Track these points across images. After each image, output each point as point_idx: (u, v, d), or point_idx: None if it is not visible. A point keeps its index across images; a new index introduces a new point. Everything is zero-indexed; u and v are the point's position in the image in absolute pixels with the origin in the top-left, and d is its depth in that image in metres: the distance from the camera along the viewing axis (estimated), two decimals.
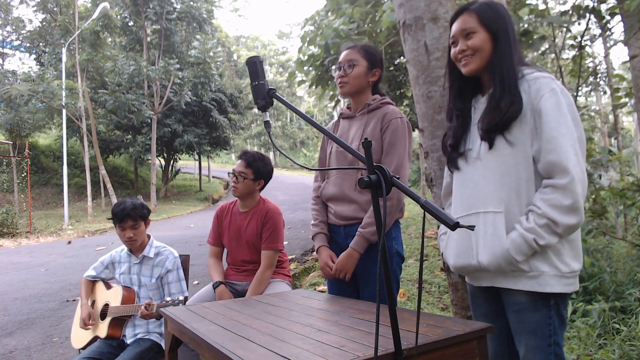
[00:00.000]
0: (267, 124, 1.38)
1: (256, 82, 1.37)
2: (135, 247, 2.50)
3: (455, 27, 1.57)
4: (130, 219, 2.40)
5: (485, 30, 1.52)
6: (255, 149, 21.74)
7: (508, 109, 1.45)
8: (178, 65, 18.18)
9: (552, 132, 1.39)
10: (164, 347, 2.39)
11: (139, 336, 2.41)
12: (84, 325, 2.42)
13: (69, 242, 10.43)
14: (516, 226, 1.43)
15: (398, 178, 1.06)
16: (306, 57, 6.18)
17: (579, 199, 1.35)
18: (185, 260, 2.66)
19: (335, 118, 2.29)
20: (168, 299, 2.34)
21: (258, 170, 2.64)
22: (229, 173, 2.70)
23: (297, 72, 6.76)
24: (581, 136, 1.41)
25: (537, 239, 1.38)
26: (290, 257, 5.67)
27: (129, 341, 2.41)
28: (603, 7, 5.21)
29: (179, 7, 20.32)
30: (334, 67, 2.37)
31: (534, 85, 1.45)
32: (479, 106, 1.60)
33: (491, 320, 1.61)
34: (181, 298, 2.32)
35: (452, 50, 1.60)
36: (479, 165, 1.55)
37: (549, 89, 1.42)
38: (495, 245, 1.45)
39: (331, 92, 7.16)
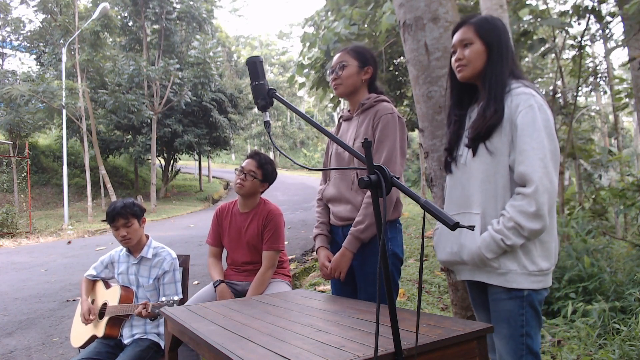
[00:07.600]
0: (267, 124, 1.39)
1: (256, 82, 1.37)
2: (132, 247, 2.50)
3: (455, 37, 1.71)
4: (121, 217, 2.40)
5: (482, 42, 1.65)
6: (255, 148, 21.74)
7: (491, 116, 1.58)
8: (178, 65, 18.18)
9: (524, 145, 1.52)
10: (162, 347, 2.40)
11: (136, 337, 2.41)
12: (85, 320, 2.43)
13: (69, 242, 10.43)
14: (488, 227, 1.57)
15: (398, 178, 1.06)
16: (308, 61, 6.20)
17: (543, 207, 1.48)
18: (185, 261, 2.66)
19: (336, 120, 2.29)
20: (163, 299, 2.34)
21: (267, 173, 2.67)
22: (236, 169, 2.68)
23: (296, 75, 6.77)
24: (555, 149, 1.54)
25: (504, 240, 1.52)
26: (290, 257, 5.67)
27: (126, 341, 2.41)
28: (603, 8, 5.21)
29: (178, 7, 20.32)
30: (328, 71, 2.38)
31: (515, 100, 1.57)
32: (473, 115, 1.72)
33: (482, 310, 1.77)
34: (175, 299, 2.32)
35: (452, 59, 1.73)
36: (466, 171, 1.69)
37: (527, 105, 1.54)
38: (472, 243, 1.60)
39: (332, 94, 7.16)
